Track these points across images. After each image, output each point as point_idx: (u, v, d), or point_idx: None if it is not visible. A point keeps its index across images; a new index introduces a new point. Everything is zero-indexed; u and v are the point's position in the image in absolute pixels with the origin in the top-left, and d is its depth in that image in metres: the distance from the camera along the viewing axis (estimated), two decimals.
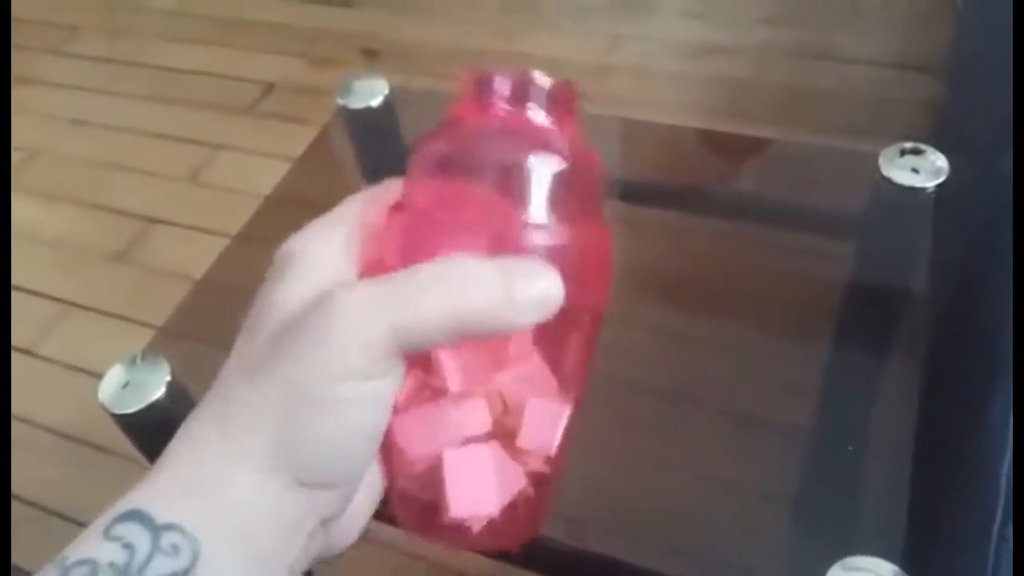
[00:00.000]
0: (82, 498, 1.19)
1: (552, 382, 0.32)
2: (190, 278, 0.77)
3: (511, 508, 0.31)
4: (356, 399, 0.27)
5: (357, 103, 0.78)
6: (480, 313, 0.27)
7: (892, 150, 0.65)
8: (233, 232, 0.74)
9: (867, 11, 1.70)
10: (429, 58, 1.73)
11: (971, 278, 0.67)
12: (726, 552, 0.49)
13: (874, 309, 0.63)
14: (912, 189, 0.63)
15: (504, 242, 0.29)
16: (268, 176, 0.81)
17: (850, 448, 0.52)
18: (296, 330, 0.27)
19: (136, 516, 0.26)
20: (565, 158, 0.31)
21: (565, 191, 0.30)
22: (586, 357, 0.33)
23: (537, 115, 0.31)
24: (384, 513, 0.32)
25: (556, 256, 0.29)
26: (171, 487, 0.27)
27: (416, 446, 0.30)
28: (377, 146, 0.80)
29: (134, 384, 0.56)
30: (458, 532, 0.31)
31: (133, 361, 0.58)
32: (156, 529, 0.26)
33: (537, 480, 0.31)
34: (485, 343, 0.31)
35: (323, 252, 0.30)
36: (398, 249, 0.30)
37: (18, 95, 1.90)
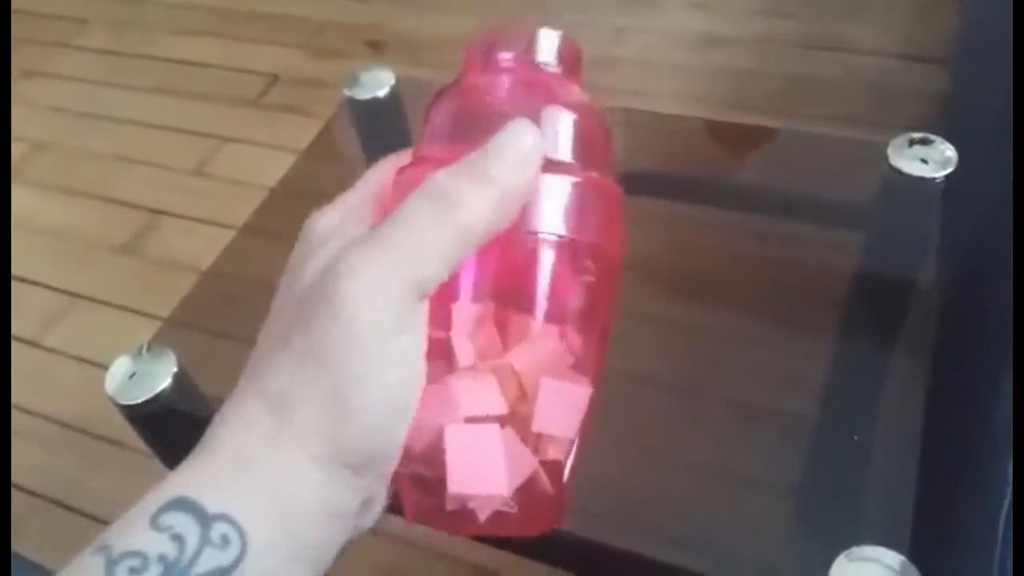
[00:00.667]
0: (89, 489, 1.20)
1: (569, 361, 0.31)
2: (196, 270, 0.77)
3: (524, 494, 0.29)
4: (386, 360, 0.26)
5: (364, 94, 0.78)
6: (483, 219, 0.27)
7: (901, 140, 0.64)
8: (239, 224, 0.74)
9: (871, 0, 1.69)
10: (433, 49, 1.72)
11: (979, 269, 0.66)
12: (732, 543, 0.48)
13: (882, 300, 0.62)
14: (921, 179, 0.62)
15: None
16: (274, 168, 0.81)
17: (856, 438, 0.52)
18: (311, 304, 0.27)
19: (185, 504, 0.25)
20: (574, 107, 0.30)
21: (576, 139, 0.30)
22: (603, 336, 0.32)
23: (545, 67, 0.31)
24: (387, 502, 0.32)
25: (574, 192, 0.29)
26: (219, 473, 0.26)
27: (424, 421, 0.29)
28: (383, 137, 0.80)
29: (140, 375, 0.56)
30: (466, 518, 0.30)
31: (139, 352, 0.58)
32: (206, 520, 0.25)
33: (552, 468, 0.30)
34: (500, 321, 0.30)
35: (345, 228, 0.30)
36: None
37: (26, 88, 1.91)
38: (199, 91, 1.82)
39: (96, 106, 1.83)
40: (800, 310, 0.62)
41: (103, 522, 0.25)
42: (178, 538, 0.24)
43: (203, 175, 1.64)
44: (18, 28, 2.03)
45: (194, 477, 0.26)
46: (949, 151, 0.63)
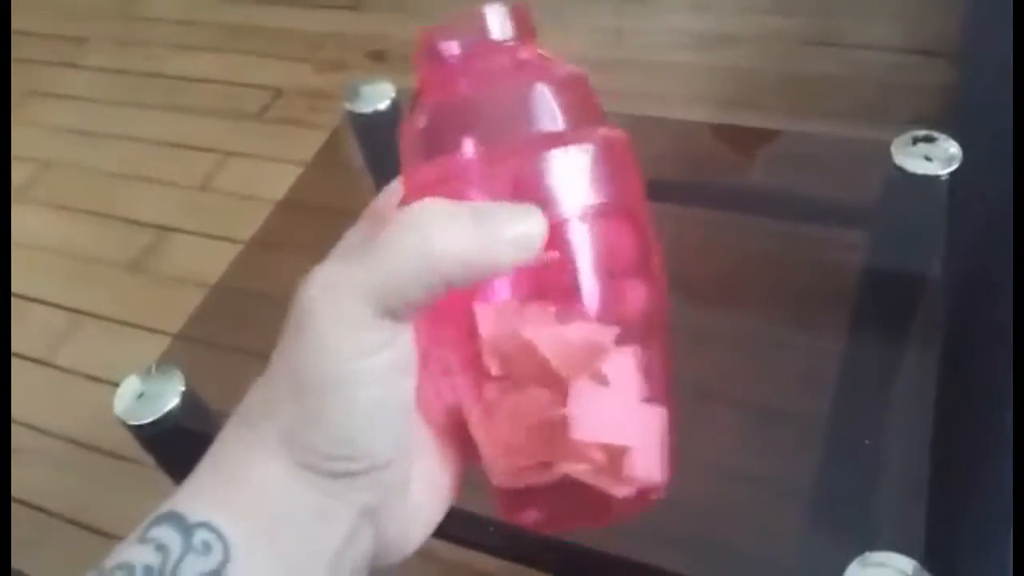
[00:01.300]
0: (99, 507, 1.20)
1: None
2: (205, 285, 0.77)
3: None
4: (355, 376, 0.26)
5: (365, 107, 0.78)
6: (454, 257, 0.25)
7: (904, 138, 0.64)
8: (246, 238, 0.74)
9: None
10: None
11: (986, 265, 0.66)
12: (746, 547, 0.48)
13: (889, 298, 0.62)
14: (925, 177, 0.62)
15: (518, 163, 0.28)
16: (279, 181, 0.81)
17: (867, 443, 0.52)
18: (286, 322, 0.27)
19: (169, 517, 0.26)
20: (543, 74, 0.29)
21: (559, 101, 0.29)
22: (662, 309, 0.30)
23: (501, 42, 0.30)
24: None
25: (589, 160, 0.28)
26: (201, 485, 0.27)
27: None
28: (386, 149, 0.80)
29: (148, 395, 0.57)
30: (605, 510, 0.28)
31: (148, 372, 0.58)
32: (188, 529, 0.26)
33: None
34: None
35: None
36: None
37: (30, 108, 1.92)
38: (203, 107, 1.82)
39: (100, 124, 1.84)
40: (808, 310, 0.61)
41: (115, 539, 0.26)
42: (162, 548, 0.25)
43: (209, 190, 1.65)
44: (18, 49, 2.04)
45: (180, 494, 0.27)
46: (953, 148, 0.63)
